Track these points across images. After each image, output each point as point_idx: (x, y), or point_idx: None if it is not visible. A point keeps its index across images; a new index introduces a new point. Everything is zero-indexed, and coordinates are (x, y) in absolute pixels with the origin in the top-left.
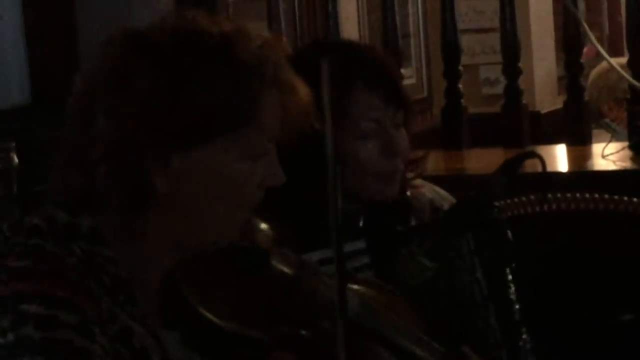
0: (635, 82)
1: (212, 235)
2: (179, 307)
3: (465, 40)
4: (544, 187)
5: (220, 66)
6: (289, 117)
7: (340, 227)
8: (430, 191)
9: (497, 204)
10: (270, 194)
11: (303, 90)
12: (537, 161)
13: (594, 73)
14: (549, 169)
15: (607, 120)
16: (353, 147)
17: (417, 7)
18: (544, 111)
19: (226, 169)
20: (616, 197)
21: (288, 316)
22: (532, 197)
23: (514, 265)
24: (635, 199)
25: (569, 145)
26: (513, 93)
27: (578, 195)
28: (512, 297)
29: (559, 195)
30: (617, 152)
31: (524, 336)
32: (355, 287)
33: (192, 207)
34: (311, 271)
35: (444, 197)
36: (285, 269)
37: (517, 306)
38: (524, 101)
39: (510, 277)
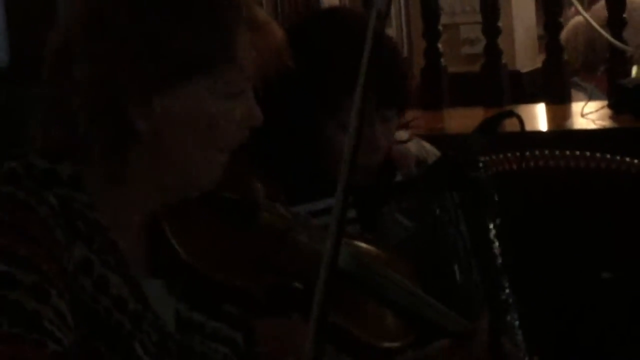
0: (614, 41)
1: (194, 178)
2: (165, 254)
3: (445, 0)
4: (523, 146)
5: (195, 6)
6: (263, 57)
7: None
8: (416, 146)
9: (481, 160)
10: (261, 147)
11: (277, 32)
12: (516, 120)
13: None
14: (529, 128)
15: (576, 78)
16: (333, 134)
17: None
18: (524, 70)
19: (205, 109)
20: (596, 154)
21: (278, 268)
22: (510, 155)
23: (498, 220)
24: (614, 157)
25: (548, 104)
26: (493, 52)
27: (558, 152)
28: (496, 251)
29: (537, 152)
30: (597, 110)
31: (507, 291)
32: (347, 240)
33: (174, 148)
34: (302, 223)
35: (429, 152)
36: (275, 221)
37: (499, 261)
38: (503, 61)
39: (494, 232)
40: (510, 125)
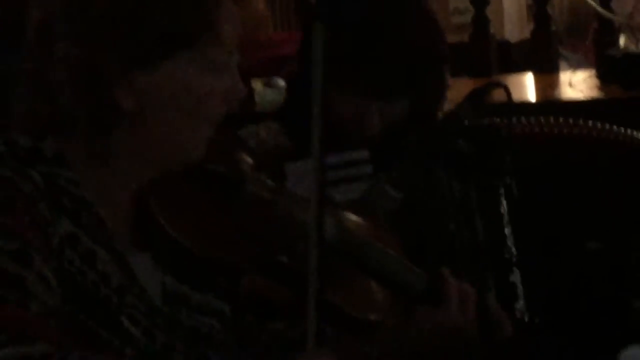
0: (603, 11)
1: (180, 153)
2: (151, 229)
3: None
4: (510, 117)
5: None
6: (244, 29)
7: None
8: None
9: (498, 122)
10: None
11: (258, 3)
12: (504, 91)
13: None
14: (517, 98)
15: (562, 50)
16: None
17: None
18: (513, 40)
19: (189, 84)
20: (582, 122)
21: (264, 241)
22: (498, 120)
23: (508, 180)
24: (602, 125)
25: (536, 74)
26: (481, 23)
27: (542, 119)
28: (503, 211)
29: (523, 119)
30: (584, 81)
31: (512, 250)
32: (334, 212)
33: (158, 124)
34: (288, 196)
35: None
36: (261, 194)
37: (506, 220)
38: (492, 31)
39: (502, 192)
40: (498, 95)
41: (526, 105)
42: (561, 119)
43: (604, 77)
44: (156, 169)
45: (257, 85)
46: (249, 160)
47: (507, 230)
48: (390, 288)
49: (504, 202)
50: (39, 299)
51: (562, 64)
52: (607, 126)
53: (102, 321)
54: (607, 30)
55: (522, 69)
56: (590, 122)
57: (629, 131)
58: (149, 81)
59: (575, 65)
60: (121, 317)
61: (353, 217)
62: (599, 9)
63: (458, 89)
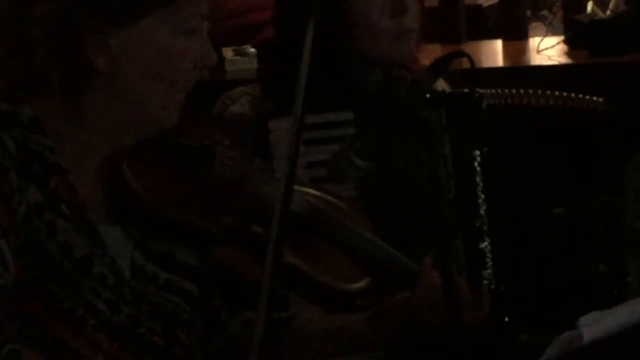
0: None
1: (151, 116)
2: (123, 197)
3: None
4: (478, 83)
5: None
6: None
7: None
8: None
9: (479, 91)
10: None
11: None
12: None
13: None
14: (486, 64)
15: (545, 12)
16: (362, 7)
17: None
18: (485, 4)
19: (162, 45)
20: (548, 92)
21: (236, 211)
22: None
23: (485, 149)
24: (568, 94)
25: (505, 40)
26: None
27: (511, 90)
28: (477, 179)
29: (492, 90)
30: (553, 46)
31: (483, 218)
32: (303, 188)
33: (131, 85)
34: (259, 168)
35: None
36: (233, 166)
37: (480, 188)
38: None
39: (478, 159)
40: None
41: (495, 70)
42: (530, 90)
43: (571, 43)
44: (129, 133)
45: (228, 53)
46: (221, 136)
47: (480, 199)
48: (358, 260)
49: (479, 171)
50: None
51: (540, 25)
52: (572, 95)
53: (64, 290)
54: None
55: (495, 33)
56: (555, 92)
57: (590, 98)
58: (122, 41)
59: (554, 28)
60: (82, 288)
61: (324, 195)
62: None
63: (428, 55)
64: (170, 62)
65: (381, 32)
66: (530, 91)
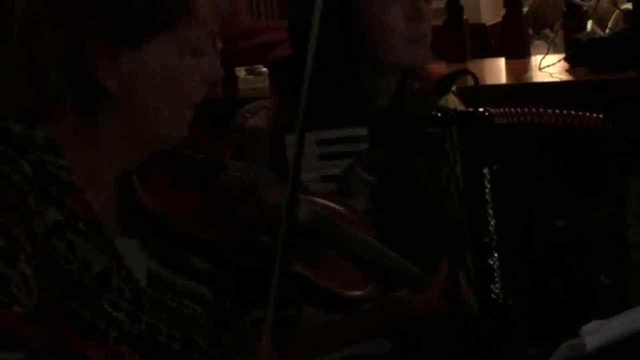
0: None
1: (162, 132)
2: (137, 211)
3: None
4: (483, 100)
5: None
6: (220, 11)
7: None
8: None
9: (490, 110)
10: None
11: None
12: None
13: None
14: (489, 81)
15: (547, 31)
16: (378, 11)
17: None
18: (489, 23)
19: (170, 65)
20: (549, 110)
21: (244, 222)
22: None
23: (494, 167)
24: (568, 112)
25: (508, 59)
26: (454, 9)
27: (514, 109)
28: (487, 196)
29: (502, 109)
30: (554, 64)
31: (492, 234)
32: (310, 197)
33: (142, 104)
34: (266, 180)
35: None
36: (241, 179)
37: (489, 205)
38: (466, 17)
39: (488, 177)
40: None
41: (498, 88)
42: (534, 109)
43: (572, 61)
44: (141, 149)
45: (241, 72)
46: (229, 150)
47: (489, 216)
48: (365, 268)
49: (489, 189)
50: (19, 299)
51: (542, 43)
52: (572, 112)
53: (86, 305)
54: (576, 16)
55: (498, 51)
56: (557, 110)
57: (590, 115)
58: (132, 62)
59: (555, 46)
60: (102, 302)
61: (332, 204)
62: None
63: (435, 72)
64: (178, 81)
65: (397, 37)
66: (534, 110)
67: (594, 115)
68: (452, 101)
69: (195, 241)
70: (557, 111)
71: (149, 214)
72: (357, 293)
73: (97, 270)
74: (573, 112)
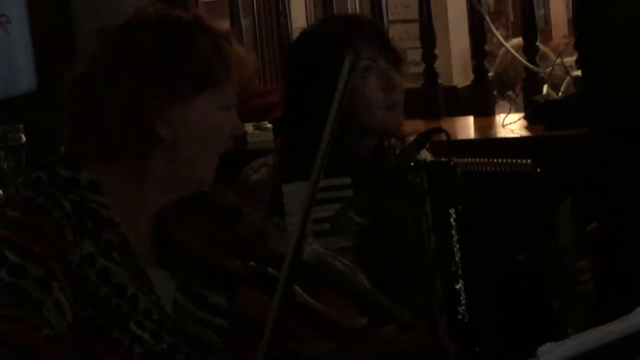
0: (528, 64)
1: (199, 175)
2: (168, 244)
3: (394, 29)
4: (452, 153)
5: (200, 35)
6: (243, 81)
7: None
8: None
9: (454, 160)
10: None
11: (253, 62)
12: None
13: (501, 52)
14: (460, 137)
15: (510, 92)
16: (361, 87)
17: (355, 4)
18: (460, 86)
19: (210, 118)
20: (507, 160)
21: (257, 256)
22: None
23: (459, 207)
24: (508, 160)
25: (476, 117)
26: (430, 74)
27: (474, 159)
28: (453, 231)
29: (465, 159)
30: (515, 122)
31: (458, 263)
32: (315, 246)
33: (186, 151)
34: (275, 225)
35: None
36: (255, 222)
37: (455, 239)
38: (440, 80)
39: (454, 215)
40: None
41: (467, 142)
42: (487, 159)
43: (530, 119)
44: (176, 191)
45: (249, 128)
46: (245, 200)
47: (455, 248)
48: (357, 304)
49: (455, 225)
50: (51, 323)
51: (505, 104)
52: (508, 160)
53: (114, 324)
54: (534, 81)
55: (467, 110)
56: (507, 160)
57: (522, 162)
58: (181, 114)
59: (517, 106)
60: (130, 322)
61: (328, 252)
62: (526, 62)
63: (412, 129)
64: (215, 132)
65: (375, 105)
66: (486, 160)
67: (525, 161)
68: (424, 153)
69: (215, 269)
70: (502, 160)
71: (177, 244)
72: (354, 323)
73: (129, 294)
74: (509, 160)
